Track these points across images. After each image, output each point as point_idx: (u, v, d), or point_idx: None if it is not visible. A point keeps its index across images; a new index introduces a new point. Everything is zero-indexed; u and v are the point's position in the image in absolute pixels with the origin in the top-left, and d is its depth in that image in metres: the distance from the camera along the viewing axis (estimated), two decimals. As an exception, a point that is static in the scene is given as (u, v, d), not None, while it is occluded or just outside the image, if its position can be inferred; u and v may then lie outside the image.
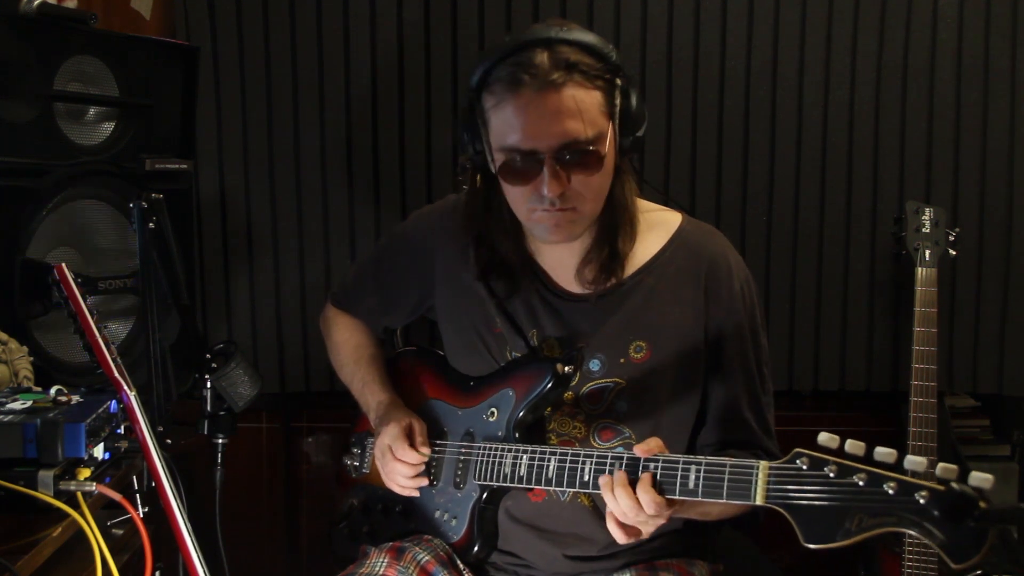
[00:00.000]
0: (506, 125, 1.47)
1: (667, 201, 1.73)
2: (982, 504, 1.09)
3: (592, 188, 1.50)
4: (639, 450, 1.38)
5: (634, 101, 1.50)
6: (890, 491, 1.15)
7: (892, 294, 2.57)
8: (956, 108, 2.52)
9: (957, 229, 2.35)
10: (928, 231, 2.31)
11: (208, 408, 1.69)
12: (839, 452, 1.18)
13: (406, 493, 1.68)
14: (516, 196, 1.54)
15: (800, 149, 2.55)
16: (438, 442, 1.68)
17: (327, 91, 2.55)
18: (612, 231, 1.58)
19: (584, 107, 1.44)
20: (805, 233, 2.57)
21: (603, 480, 1.39)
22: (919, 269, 2.30)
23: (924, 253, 2.31)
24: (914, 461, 1.13)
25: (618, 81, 1.48)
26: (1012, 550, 1.08)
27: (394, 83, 2.54)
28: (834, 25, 2.52)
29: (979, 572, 2.04)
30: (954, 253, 2.34)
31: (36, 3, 1.70)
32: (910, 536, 2.14)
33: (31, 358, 1.66)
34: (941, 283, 2.32)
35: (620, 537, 1.41)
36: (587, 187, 1.49)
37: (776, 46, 2.52)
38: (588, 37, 1.47)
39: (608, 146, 1.49)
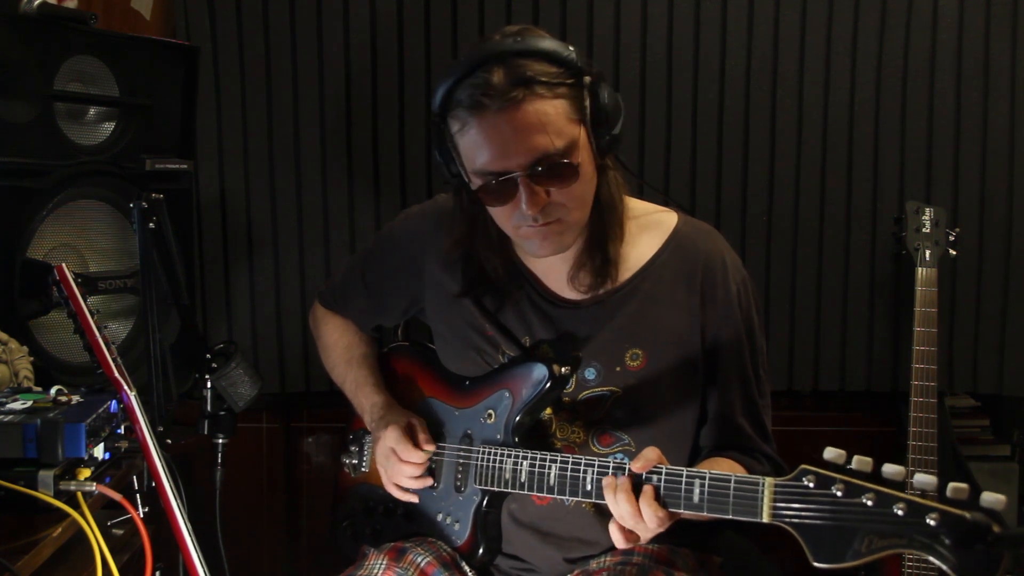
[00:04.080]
0: (474, 148, 1.44)
1: (667, 201, 1.72)
2: (995, 529, 1.05)
3: (574, 197, 1.47)
4: (635, 467, 1.35)
5: (605, 97, 1.45)
6: (900, 512, 1.11)
7: (892, 294, 2.56)
8: (956, 108, 2.52)
9: (957, 229, 2.36)
10: (928, 231, 2.32)
11: (208, 408, 1.70)
12: (846, 466, 1.15)
13: (406, 498, 1.66)
14: (500, 215, 1.51)
15: (800, 149, 2.55)
16: (438, 444, 1.67)
17: (327, 91, 2.54)
18: (602, 234, 1.55)
19: (549, 119, 1.40)
20: (805, 233, 2.57)
21: (606, 481, 1.37)
22: (919, 269, 2.30)
23: (924, 253, 2.31)
24: (924, 481, 1.10)
25: (586, 79, 1.44)
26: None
27: (394, 83, 2.54)
28: (834, 25, 2.52)
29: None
30: (954, 253, 2.34)
31: (36, 3, 1.71)
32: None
33: (31, 358, 1.67)
34: (941, 283, 2.32)
35: (620, 542, 1.39)
36: (568, 197, 1.46)
37: (776, 46, 2.52)
38: (544, 43, 1.41)
39: (583, 152, 1.45)
